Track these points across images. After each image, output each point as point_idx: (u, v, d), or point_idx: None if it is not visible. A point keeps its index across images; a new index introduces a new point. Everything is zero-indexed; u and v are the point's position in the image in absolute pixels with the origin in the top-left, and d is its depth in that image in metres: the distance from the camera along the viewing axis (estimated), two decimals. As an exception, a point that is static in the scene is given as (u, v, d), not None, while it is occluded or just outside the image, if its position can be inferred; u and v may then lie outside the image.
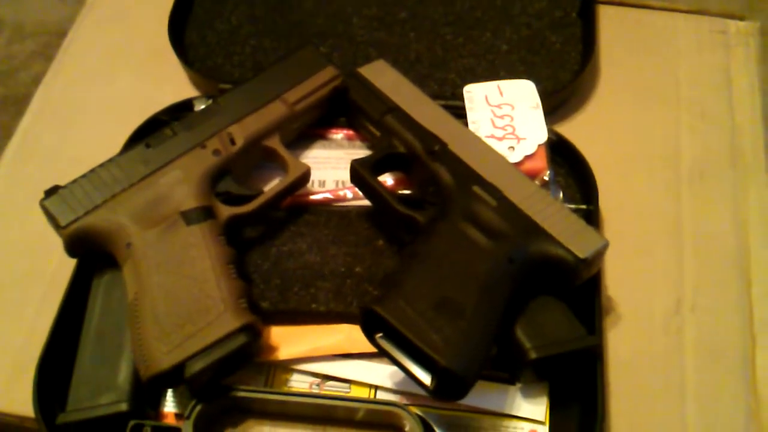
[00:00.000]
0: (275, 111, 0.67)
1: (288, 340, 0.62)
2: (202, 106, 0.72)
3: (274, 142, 0.66)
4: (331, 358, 0.62)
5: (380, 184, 0.63)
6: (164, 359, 0.54)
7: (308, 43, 0.71)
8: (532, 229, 0.58)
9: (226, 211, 0.62)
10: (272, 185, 0.67)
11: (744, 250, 0.68)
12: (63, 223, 0.59)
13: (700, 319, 0.65)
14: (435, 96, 0.73)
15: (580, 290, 0.60)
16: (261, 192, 0.65)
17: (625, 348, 0.64)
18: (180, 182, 0.61)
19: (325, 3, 0.83)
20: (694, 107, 0.77)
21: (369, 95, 0.68)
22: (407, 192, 0.67)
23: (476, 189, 0.60)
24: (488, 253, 0.56)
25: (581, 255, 0.57)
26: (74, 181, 0.61)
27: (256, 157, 0.68)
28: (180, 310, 0.56)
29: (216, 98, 0.68)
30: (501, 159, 0.63)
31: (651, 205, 0.71)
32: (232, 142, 0.65)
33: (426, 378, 0.53)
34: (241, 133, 0.65)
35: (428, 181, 0.63)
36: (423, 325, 0.51)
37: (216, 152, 0.64)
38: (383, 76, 0.69)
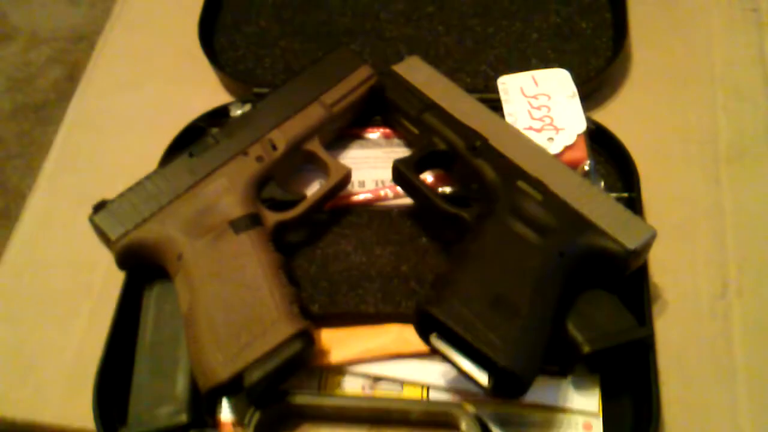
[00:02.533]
0: (314, 114, 0.67)
1: (339, 344, 0.62)
2: (239, 112, 0.73)
3: (315, 146, 0.67)
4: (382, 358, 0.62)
5: (424, 183, 0.63)
6: (223, 370, 0.54)
7: (341, 44, 0.71)
8: (580, 222, 0.58)
9: (272, 218, 0.63)
10: (314, 189, 0.67)
11: (787, 230, 0.68)
12: (113, 237, 0.59)
13: (746, 302, 0.65)
14: (469, 89, 0.73)
15: (627, 280, 0.60)
16: (304, 196, 0.65)
17: (673, 334, 0.64)
18: (226, 190, 0.62)
19: (351, 1, 0.82)
20: (728, 87, 0.77)
21: (405, 93, 0.68)
22: (449, 189, 0.67)
23: (521, 184, 0.60)
24: (539, 249, 0.56)
25: (631, 246, 0.57)
26: (121, 195, 0.61)
27: (297, 161, 0.68)
28: (235, 318, 0.56)
29: (254, 103, 0.68)
30: (542, 151, 0.63)
31: (690, 188, 0.71)
32: (274, 147, 0.65)
33: (483, 378, 0.53)
34: (282, 138, 0.65)
35: (471, 178, 0.63)
36: (479, 324, 0.52)
37: (259, 159, 0.64)
38: (418, 73, 0.69)
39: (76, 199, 0.73)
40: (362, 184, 0.70)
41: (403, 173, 0.63)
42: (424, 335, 0.55)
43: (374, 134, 0.72)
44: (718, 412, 0.61)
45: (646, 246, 0.58)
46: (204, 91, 0.80)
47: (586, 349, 0.56)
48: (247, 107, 0.73)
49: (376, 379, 0.62)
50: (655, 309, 0.64)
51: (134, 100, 0.82)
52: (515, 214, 0.58)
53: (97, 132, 0.80)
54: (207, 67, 0.80)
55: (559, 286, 0.56)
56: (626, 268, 0.58)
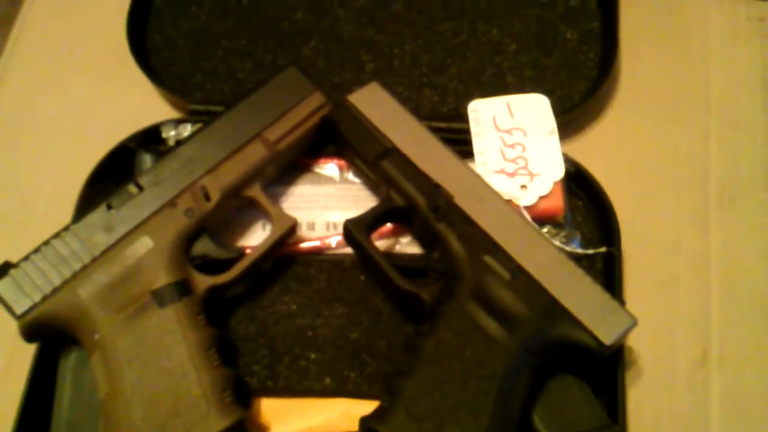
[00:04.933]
0: (254, 154, 0.58)
1: (279, 417, 0.56)
2: (172, 133, 0.64)
3: (255, 191, 0.58)
4: (326, 433, 0.56)
5: (379, 252, 0.55)
6: (143, 472, 0.48)
7: (290, 64, 0.61)
8: (552, 310, 0.51)
9: (203, 283, 0.55)
10: (254, 238, 0.60)
11: (778, 292, 0.62)
12: (19, 311, 0.52)
13: (726, 373, 0.60)
14: (435, 113, 0.66)
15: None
16: (242, 252, 0.57)
17: (646, 407, 0.59)
18: (149, 252, 0.54)
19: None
20: (725, 114, 0.69)
21: (362, 132, 0.59)
22: (408, 240, 0.60)
23: (488, 259, 0.53)
24: (503, 348, 0.49)
25: (606, 341, 0.51)
26: (27, 258, 0.53)
27: (234, 207, 0.59)
28: (158, 412, 0.50)
29: (186, 140, 0.58)
30: (513, 214, 0.56)
31: (676, 238, 0.64)
32: (207, 197, 0.56)
33: None
34: (215, 185, 0.57)
35: (432, 244, 0.56)
36: None
37: (188, 211, 0.56)
38: (377, 106, 0.60)
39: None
40: (311, 226, 0.62)
41: (355, 237, 0.55)
42: (371, 440, 0.49)
43: (327, 167, 0.64)
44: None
45: (624, 337, 0.52)
46: (136, 93, 0.70)
47: (551, 451, 0.51)
48: (182, 129, 0.64)
49: (320, 455, 0.56)
50: (630, 376, 0.59)
51: (54, 104, 0.71)
52: (479, 298, 0.51)
53: (8, 144, 0.70)
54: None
55: (525, 387, 0.50)
56: (599, 362, 0.52)
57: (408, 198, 0.56)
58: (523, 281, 0.52)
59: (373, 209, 0.57)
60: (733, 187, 0.66)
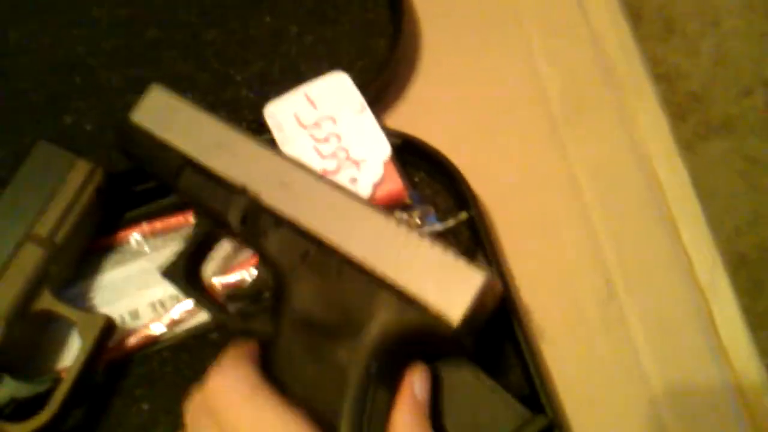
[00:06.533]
0: (29, 259, 0.48)
1: None
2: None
3: (46, 302, 0.48)
4: None
5: (205, 294, 0.47)
6: None
7: (36, 140, 0.51)
8: (386, 301, 0.41)
9: (19, 437, 0.45)
10: (66, 363, 0.50)
11: (656, 189, 0.57)
12: None
13: (638, 294, 0.54)
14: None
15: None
16: (56, 376, 0.47)
17: (570, 368, 0.52)
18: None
19: (46, 50, 0.61)
20: (541, 23, 0.63)
21: (152, 150, 0.48)
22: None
23: (308, 260, 0.43)
24: (346, 369, 0.40)
25: (454, 320, 0.40)
26: None
27: (32, 327, 0.49)
28: None
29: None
30: (333, 192, 0.45)
31: (535, 170, 0.58)
32: (-13, 331, 0.46)
33: None
34: (-7, 315, 0.46)
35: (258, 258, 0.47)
36: None
37: (-31, 359, 0.45)
38: (165, 114, 0.49)
39: None
40: (135, 314, 0.52)
41: (176, 285, 0.46)
42: None
43: (130, 239, 0.54)
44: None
45: (480, 303, 0.41)
46: None
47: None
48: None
49: None
50: (542, 342, 0.52)
51: None
52: (303, 315, 0.42)
53: None
54: None
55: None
56: (464, 346, 0.42)
57: (215, 215, 0.46)
58: (350, 275, 0.42)
59: (185, 245, 0.47)
60: (576, 95, 0.60)
